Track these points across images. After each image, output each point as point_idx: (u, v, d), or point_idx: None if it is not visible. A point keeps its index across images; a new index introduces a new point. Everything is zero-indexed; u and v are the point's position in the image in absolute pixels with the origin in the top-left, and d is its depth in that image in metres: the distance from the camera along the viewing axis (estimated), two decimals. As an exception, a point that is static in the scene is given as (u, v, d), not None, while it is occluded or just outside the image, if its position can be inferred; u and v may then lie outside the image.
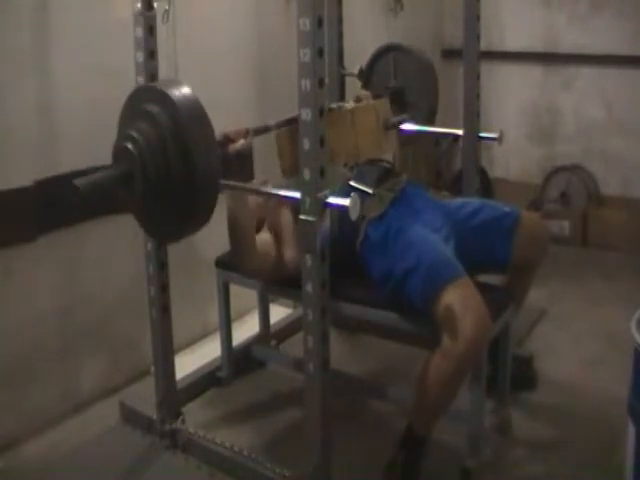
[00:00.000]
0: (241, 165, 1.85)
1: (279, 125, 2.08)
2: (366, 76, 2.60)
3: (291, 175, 2.01)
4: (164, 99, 1.53)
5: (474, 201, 2.24)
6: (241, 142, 1.83)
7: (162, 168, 1.53)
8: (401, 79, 2.51)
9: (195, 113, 1.53)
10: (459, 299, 1.77)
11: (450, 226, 2.05)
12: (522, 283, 2.24)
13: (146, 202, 1.59)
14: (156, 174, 1.53)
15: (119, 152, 1.58)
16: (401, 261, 1.91)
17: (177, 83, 1.57)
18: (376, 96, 2.40)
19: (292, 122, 1.99)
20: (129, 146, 1.55)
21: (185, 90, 1.54)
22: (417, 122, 2.49)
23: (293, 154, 1.90)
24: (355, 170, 2.15)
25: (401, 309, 1.94)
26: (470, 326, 1.73)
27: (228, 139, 1.82)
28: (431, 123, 2.53)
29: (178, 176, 1.52)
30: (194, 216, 1.59)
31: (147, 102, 1.56)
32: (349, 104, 2.33)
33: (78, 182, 1.50)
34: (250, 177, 2.59)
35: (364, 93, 2.40)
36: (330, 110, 2.04)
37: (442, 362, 1.77)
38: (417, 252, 1.89)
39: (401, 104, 2.51)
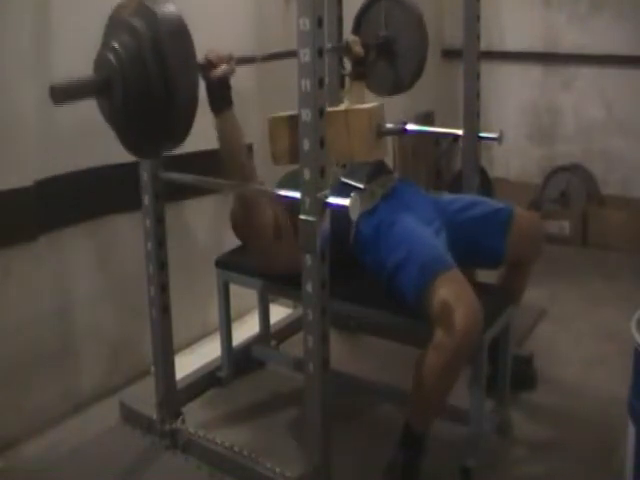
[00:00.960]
0: (222, 90, 1.82)
1: (264, 58, 2.06)
2: (356, 23, 2.62)
3: (282, 162, 2.00)
4: (147, 12, 1.54)
5: (467, 196, 2.26)
6: (223, 67, 1.80)
7: (141, 79, 1.53)
8: (391, 29, 2.51)
9: (176, 29, 1.53)
10: (450, 291, 1.77)
11: (442, 219, 2.06)
12: (518, 281, 2.24)
13: (124, 113, 1.59)
14: (135, 85, 1.54)
15: (100, 61, 1.60)
16: (392, 254, 1.91)
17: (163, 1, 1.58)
18: (367, 46, 2.42)
19: (279, 56, 1.99)
20: (109, 56, 1.56)
21: (169, 7, 1.55)
22: (406, 72, 2.52)
23: (286, 139, 1.90)
24: (347, 167, 2.15)
25: (397, 304, 1.93)
26: (461, 318, 1.73)
27: (210, 63, 1.81)
28: (420, 73, 2.54)
29: (156, 89, 1.52)
30: (171, 132, 1.59)
31: (130, 15, 1.57)
32: (344, 104, 2.34)
33: (56, 84, 1.50)
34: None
35: (353, 38, 2.41)
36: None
37: (435, 355, 1.77)
38: (408, 245, 1.90)
39: (390, 53, 2.52)
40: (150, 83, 1.52)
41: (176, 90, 1.52)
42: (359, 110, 2.01)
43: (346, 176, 2.10)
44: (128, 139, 1.69)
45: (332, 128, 1.95)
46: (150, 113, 1.55)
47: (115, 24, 1.63)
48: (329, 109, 2.16)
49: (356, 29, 2.60)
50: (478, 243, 2.09)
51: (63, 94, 1.51)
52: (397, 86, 2.56)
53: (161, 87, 1.52)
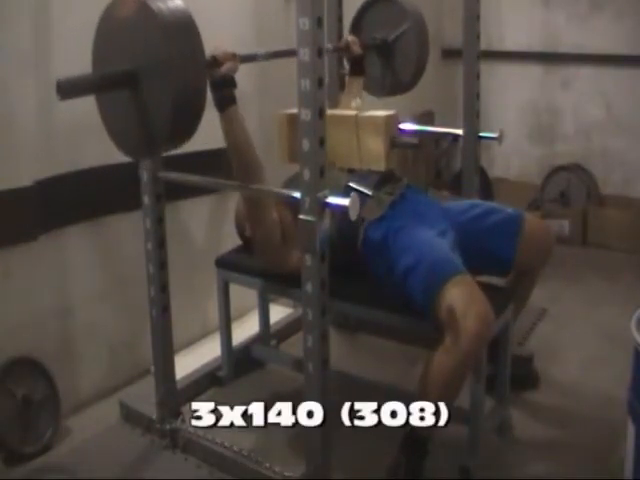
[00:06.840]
0: (226, 88, 1.85)
1: (268, 56, 2.05)
2: (355, 25, 2.62)
3: (287, 162, 1.98)
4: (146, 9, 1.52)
5: (478, 205, 2.21)
6: (228, 65, 1.83)
7: (163, 73, 1.51)
8: (389, 30, 2.51)
9: (184, 24, 1.54)
10: (461, 295, 1.77)
11: (453, 229, 2.04)
12: (525, 286, 2.24)
13: (146, 106, 1.56)
14: (158, 78, 1.51)
15: (116, 53, 1.59)
16: (402, 259, 1.91)
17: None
18: (365, 46, 2.43)
19: (281, 55, 1.99)
20: (131, 48, 1.54)
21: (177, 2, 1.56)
22: (405, 73, 2.51)
23: (293, 140, 1.88)
24: (355, 173, 2.13)
25: (402, 307, 1.93)
26: (474, 322, 1.72)
27: (216, 60, 1.83)
28: (421, 74, 2.53)
29: (175, 84, 1.50)
30: (181, 127, 1.57)
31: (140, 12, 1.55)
32: (355, 102, 2.34)
33: (61, 80, 1.50)
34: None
35: (352, 39, 2.41)
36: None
37: (445, 359, 1.77)
38: (418, 250, 1.89)
39: (389, 54, 2.52)
40: (172, 77, 1.50)
41: (187, 85, 1.51)
42: (372, 117, 1.96)
43: (354, 182, 2.06)
44: (135, 136, 1.65)
45: (340, 131, 1.94)
46: (167, 107, 1.52)
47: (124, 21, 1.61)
48: (338, 112, 2.16)
49: (355, 30, 2.61)
50: (488, 252, 2.08)
51: (65, 89, 1.49)
52: (395, 87, 2.55)
53: (179, 82, 1.50)
